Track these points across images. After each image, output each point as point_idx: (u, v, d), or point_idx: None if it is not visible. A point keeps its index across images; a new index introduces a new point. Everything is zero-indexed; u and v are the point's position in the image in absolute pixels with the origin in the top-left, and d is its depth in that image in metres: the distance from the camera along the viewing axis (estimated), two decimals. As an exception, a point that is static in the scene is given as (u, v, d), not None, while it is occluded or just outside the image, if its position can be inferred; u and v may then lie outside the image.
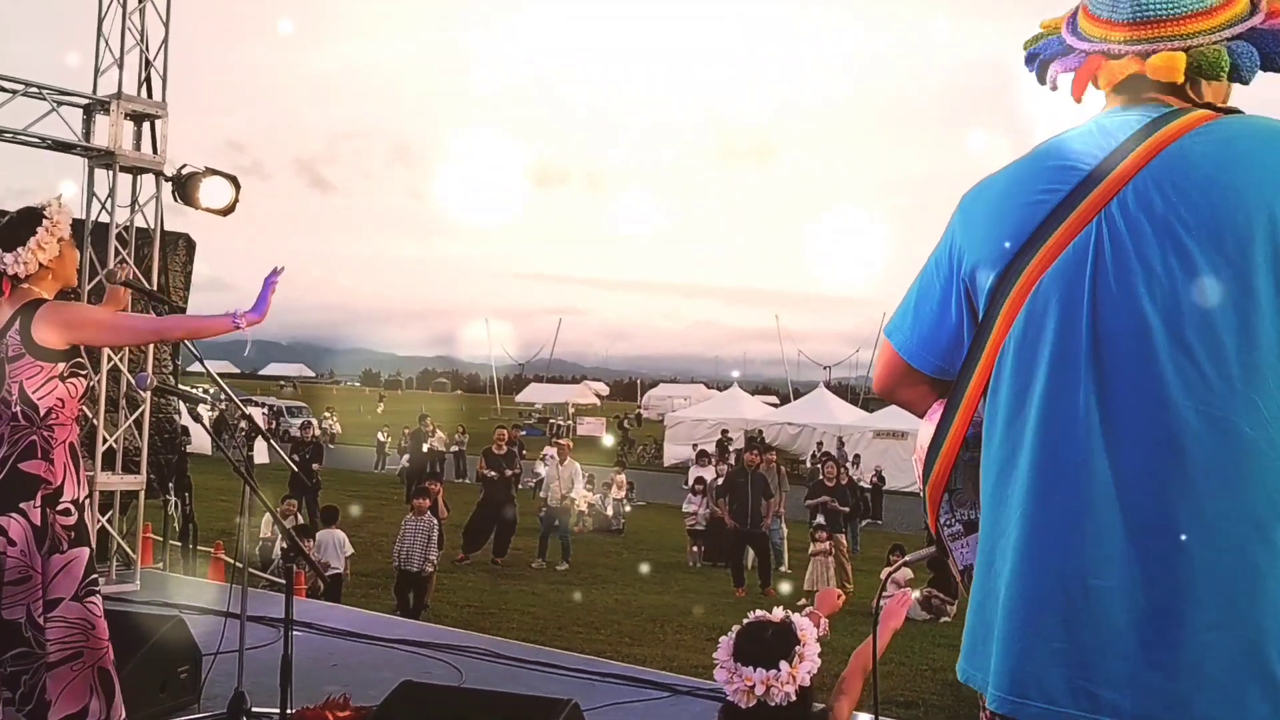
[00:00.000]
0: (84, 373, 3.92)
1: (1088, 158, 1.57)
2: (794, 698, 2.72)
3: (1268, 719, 1.39)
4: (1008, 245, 1.60)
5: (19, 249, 3.86)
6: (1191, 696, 1.40)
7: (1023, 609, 1.52)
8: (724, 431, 31.67)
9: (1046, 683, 1.49)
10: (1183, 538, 1.41)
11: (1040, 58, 1.72)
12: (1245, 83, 1.57)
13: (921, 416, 1.84)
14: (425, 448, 24.29)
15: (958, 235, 1.71)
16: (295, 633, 3.92)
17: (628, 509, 20.90)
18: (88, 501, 3.95)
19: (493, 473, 15.02)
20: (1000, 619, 1.54)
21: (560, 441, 18.72)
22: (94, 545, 3.99)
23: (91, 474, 7.93)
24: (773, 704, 2.71)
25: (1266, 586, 1.40)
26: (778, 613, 2.94)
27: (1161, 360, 1.45)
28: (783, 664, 2.74)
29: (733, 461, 19.17)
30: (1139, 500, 1.45)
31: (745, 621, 2.91)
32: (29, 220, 3.92)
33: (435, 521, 11.24)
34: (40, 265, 3.89)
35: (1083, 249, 1.53)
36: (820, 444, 31.33)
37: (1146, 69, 1.57)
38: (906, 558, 2.09)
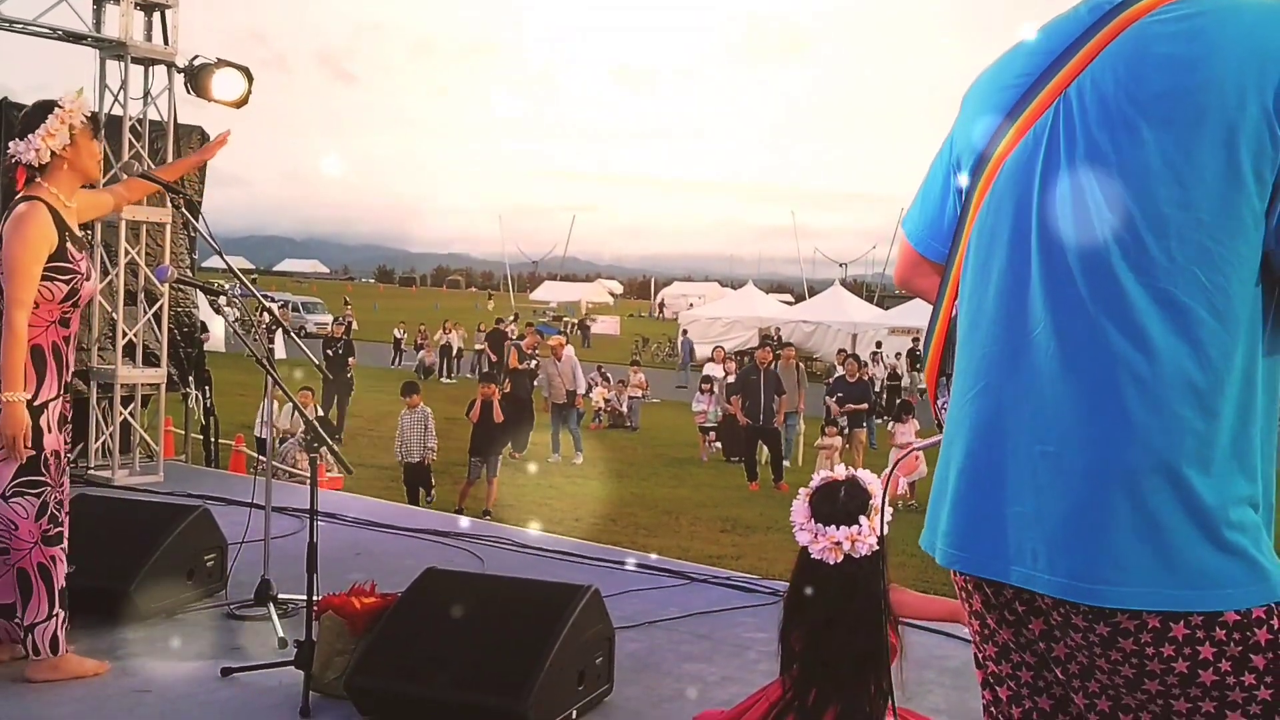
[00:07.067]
0: (66, 276, 3.81)
1: (1057, 42, 1.60)
2: (877, 547, 2.92)
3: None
4: (983, 131, 1.66)
5: (30, 136, 3.85)
6: (1125, 550, 1.44)
7: (975, 471, 1.59)
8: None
9: (999, 541, 1.55)
10: (1128, 403, 1.46)
11: None
12: None
13: None
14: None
15: (956, 123, 1.77)
16: (319, 523, 3.98)
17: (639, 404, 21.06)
18: (53, 404, 3.84)
19: (529, 364, 15.82)
20: (953, 482, 1.62)
21: (551, 340, 18.74)
22: (54, 449, 3.84)
23: (112, 367, 8.00)
24: (858, 556, 2.94)
25: (1198, 450, 1.44)
26: (841, 470, 3.13)
27: (1102, 232, 1.49)
28: (862, 519, 2.98)
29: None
30: (1087, 367, 1.49)
31: (814, 485, 3.10)
32: (43, 109, 3.90)
33: (429, 411, 11.81)
34: (52, 154, 3.85)
35: (1040, 132, 1.57)
36: (856, 344, 31.24)
37: None
38: (916, 444, 2.12)
